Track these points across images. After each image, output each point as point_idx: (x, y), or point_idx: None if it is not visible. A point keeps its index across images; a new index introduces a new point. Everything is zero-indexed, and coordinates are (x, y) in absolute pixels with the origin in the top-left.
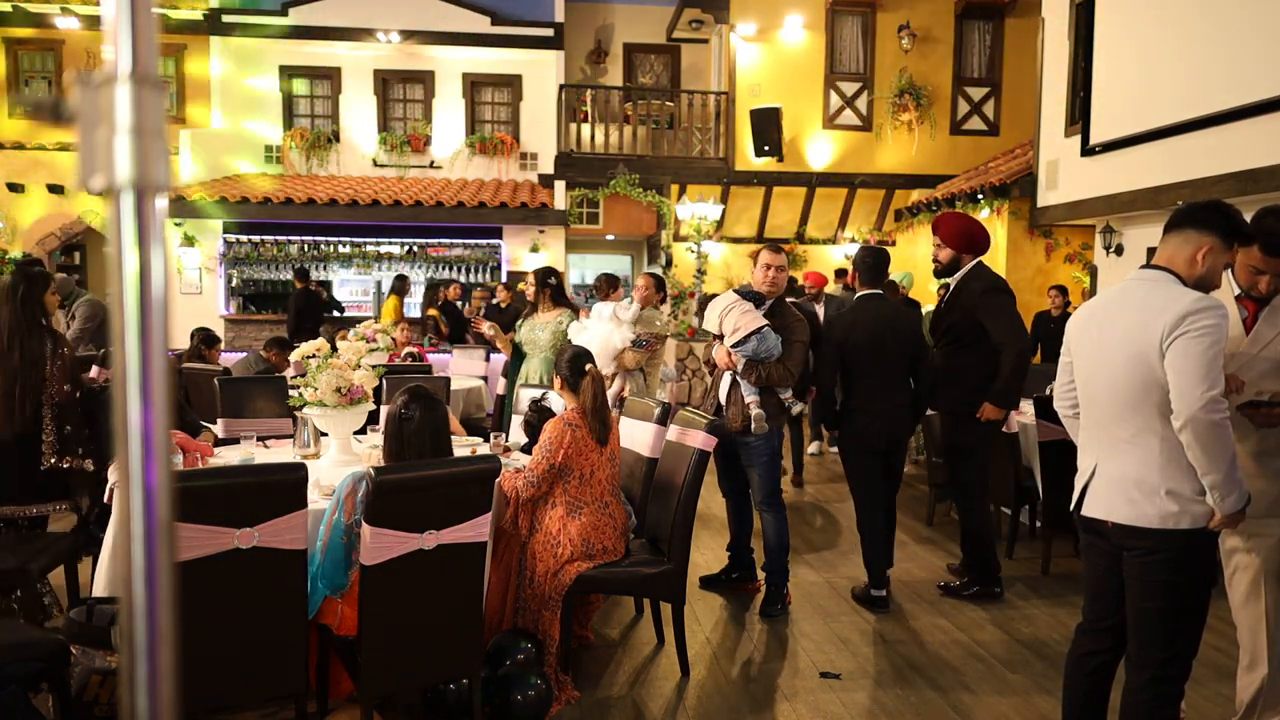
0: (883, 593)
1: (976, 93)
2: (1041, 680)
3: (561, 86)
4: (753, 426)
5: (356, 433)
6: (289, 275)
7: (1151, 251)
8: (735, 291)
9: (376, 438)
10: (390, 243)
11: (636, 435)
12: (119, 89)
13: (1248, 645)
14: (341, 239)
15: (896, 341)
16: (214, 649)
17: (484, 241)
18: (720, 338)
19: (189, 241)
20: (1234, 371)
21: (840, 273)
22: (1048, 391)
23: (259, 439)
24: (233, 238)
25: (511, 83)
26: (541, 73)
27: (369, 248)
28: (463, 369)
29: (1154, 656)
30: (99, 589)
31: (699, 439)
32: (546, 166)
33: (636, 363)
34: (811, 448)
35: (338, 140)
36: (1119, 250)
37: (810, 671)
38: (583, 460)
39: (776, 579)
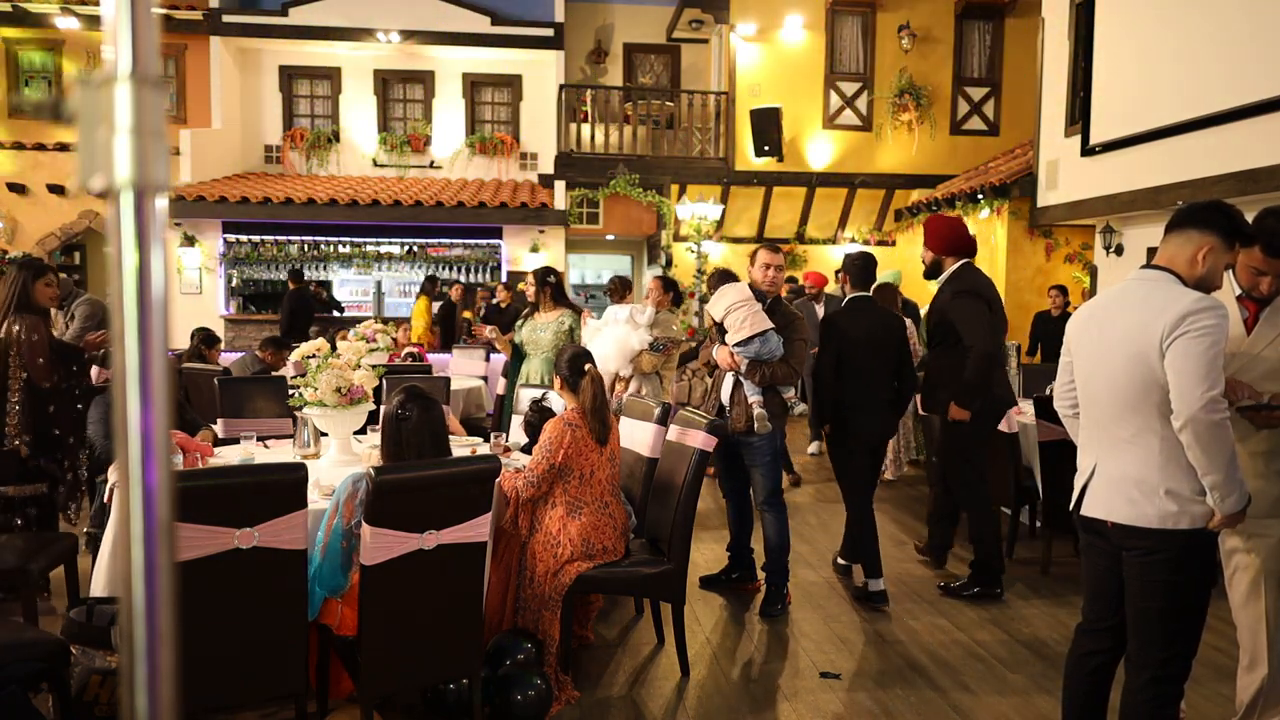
0: (880, 584)
1: (976, 93)
2: (1041, 680)
3: (561, 86)
4: (756, 426)
5: (356, 433)
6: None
7: (1152, 251)
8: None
9: (377, 438)
10: (390, 243)
11: (636, 435)
12: (119, 89)
13: (1248, 645)
14: (341, 239)
15: (883, 343)
16: (214, 649)
17: (484, 241)
18: (720, 327)
19: (189, 241)
20: (1234, 372)
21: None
22: (1048, 391)
23: (259, 439)
24: (233, 238)
25: (511, 83)
26: (541, 73)
27: (369, 248)
28: (463, 369)
29: (1154, 656)
30: (99, 589)
31: (699, 439)
32: (546, 166)
33: (653, 366)
34: (811, 448)
35: (338, 140)
36: (1119, 250)
37: (810, 671)
38: (583, 460)
39: (776, 579)
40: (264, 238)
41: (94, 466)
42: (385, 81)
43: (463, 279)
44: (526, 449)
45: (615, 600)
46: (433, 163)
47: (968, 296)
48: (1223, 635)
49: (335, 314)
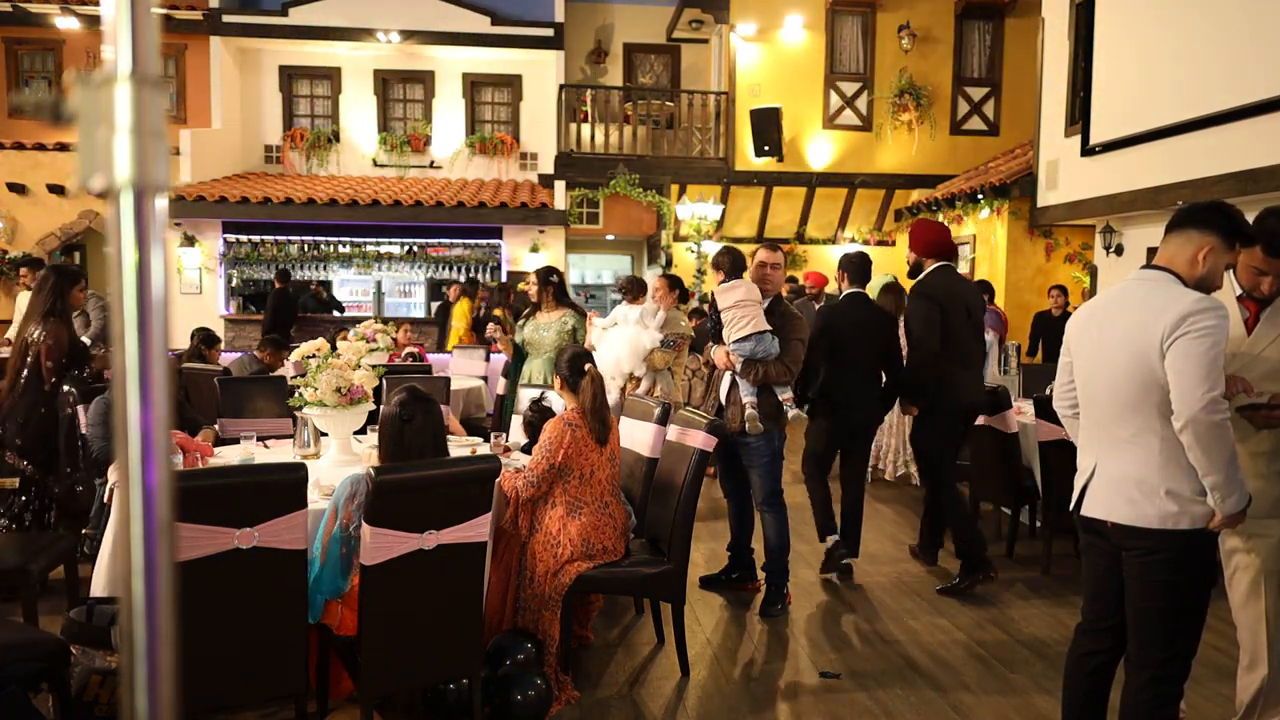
0: (836, 538)
1: (976, 93)
2: (1041, 680)
3: (561, 86)
4: (748, 427)
5: (356, 433)
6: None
7: (1152, 251)
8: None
9: (376, 437)
10: (390, 243)
11: (636, 435)
12: (119, 89)
13: (1248, 645)
14: (341, 239)
15: (872, 337)
16: (214, 649)
17: (484, 241)
18: (716, 322)
19: (189, 241)
20: (1234, 372)
21: None
22: (1048, 391)
23: (259, 439)
24: (233, 238)
25: (511, 83)
26: (541, 73)
27: (369, 248)
28: (463, 369)
29: (1154, 656)
30: (99, 589)
31: (699, 439)
32: (546, 166)
33: (665, 362)
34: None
35: (338, 140)
36: (1119, 250)
37: (810, 671)
38: (582, 460)
39: (777, 579)
40: (264, 238)
41: (92, 468)
42: (385, 81)
43: (462, 279)
44: (526, 449)
45: (615, 600)
46: (433, 163)
47: (921, 298)
48: (1223, 635)
49: (335, 314)
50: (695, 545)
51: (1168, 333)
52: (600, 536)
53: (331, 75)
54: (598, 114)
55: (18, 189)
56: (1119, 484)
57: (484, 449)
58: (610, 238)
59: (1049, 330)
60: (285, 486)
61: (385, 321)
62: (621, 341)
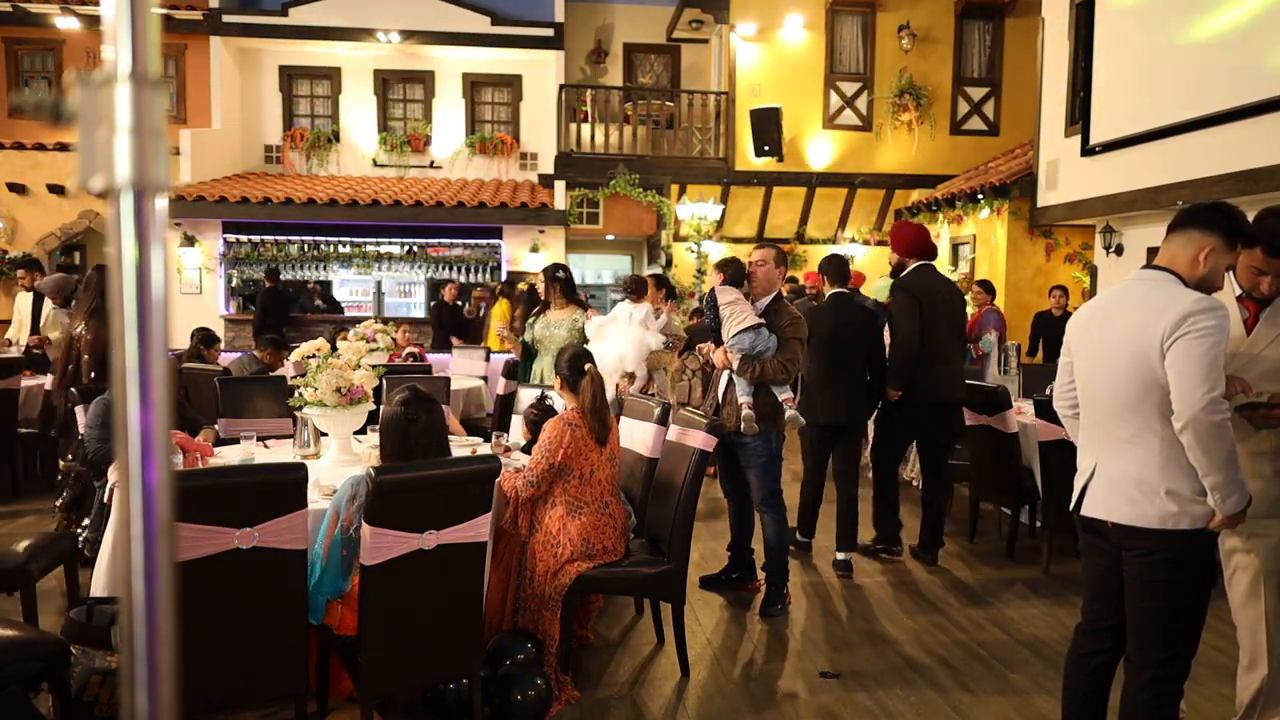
0: (808, 540)
1: (976, 93)
2: (1041, 680)
3: (561, 86)
4: (743, 427)
5: (356, 433)
6: (288, 275)
7: (1152, 251)
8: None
9: (377, 437)
10: (390, 243)
11: (636, 435)
12: (119, 89)
13: (1248, 645)
14: (341, 239)
15: (857, 337)
16: (214, 649)
17: (484, 241)
18: (714, 318)
19: (189, 241)
20: (1234, 372)
21: None
22: (1048, 391)
23: (259, 439)
24: (232, 238)
25: (511, 83)
26: (541, 73)
27: (369, 248)
28: (463, 369)
29: (1154, 656)
30: (99, 589)
31: (699, 439)
32: (546, 166)
33: (665, 363)
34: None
35: (338, 140)
36: (1119, 250)
37: (810, 671)
38: (582, 460)
39: (776, 579)
40: (264, 238)
41: (89, 469)
42: (385, 81)
43: (462, 279)
44: (526, 449)
45: (615, 600)
46: (433, 163)
47: (902, 293)
48: (1223, 635)
49: (335, 314)
50: (695, 545)
51: (1168, 333)
52: (600, 536)
53: (331, 75)
54: (598, 114)
55: (18, 189)
56: (1119, 484)
57: (484, 449)
58: (610, 238)
59: (1049, 330)
60: (285, 486)
61: (385, 322)
62: (628, 342)
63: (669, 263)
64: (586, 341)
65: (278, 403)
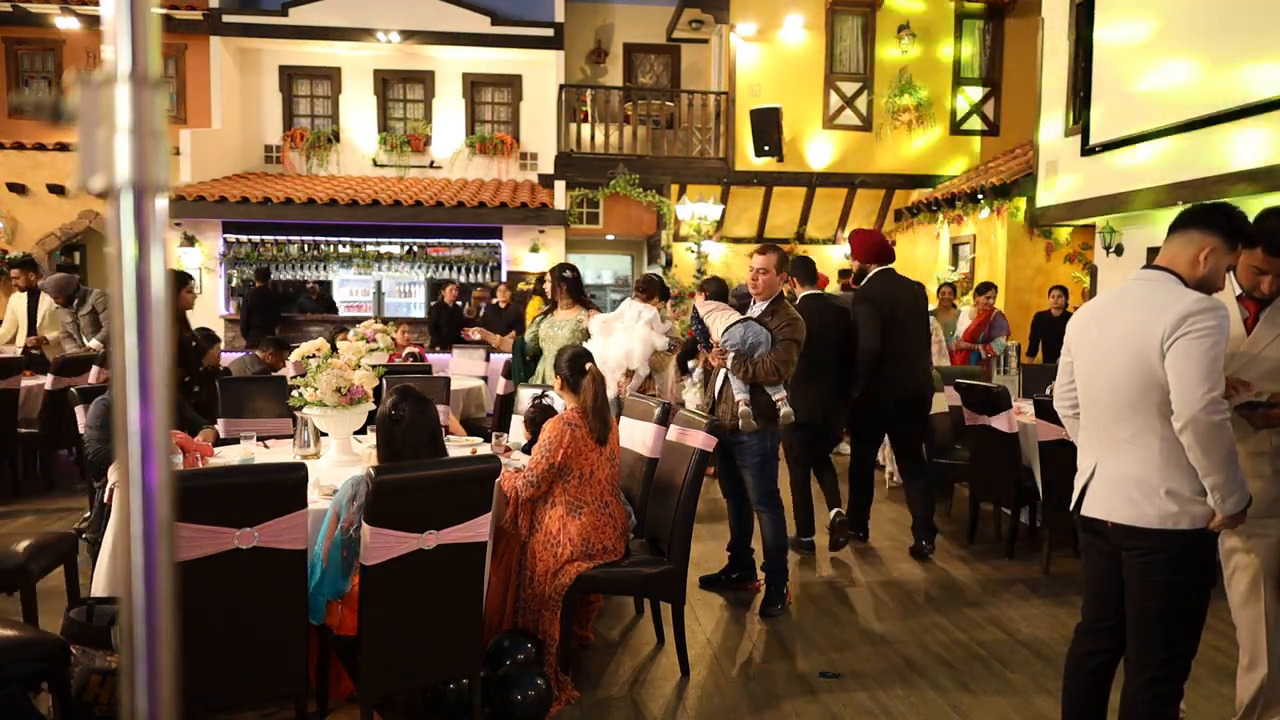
0: (810, 539)
1: (976, 93)
2: (1041, 680)
3: (561, 86)
4: (740, 424)
5: (356, 433)
6: (288, 275)
7: (1152, 251)
8: (733, 292)
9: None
10: (390, 243)
11: (636, 435)
12: (119, 89)
13: (1247, 645)
14: (341, 239)
15: (834, 335)
16: (214, 649)
17: (484, 241)
18: (700, 331)
19: (189, 241)
20: (1234, 372)
21: (844, 272)
22: (1048, 392)
23: (259, 439)
24: (233, 238)
25: (511, 83)
26: (541, 73)
27: (369, 248)
28: (463, 369)
29: (1154, 656)
30: (99, 589)
31: (699, 439)
32: (546, 166)
33: (665, 363)
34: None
35: (338, 140)
36: (1119, 250)
37: (810, 671)
38: (582, 460)
39: (776, 579)
40: (264, 238)
41: (89, 469)
42: (385, 81)
43: (462, 279)
44: (526, 449)
45: (615, 600)
46: (433, 163)
47: (863, 302)
48: (1223, 635)
49: (333, 314)
50: (695, 545)
51: (1168, 333)
52: (600, 536)
53: (331, 75)
54: (598, 114)
55: (18, 189)
56: (1119, 484)
57: (484, 449)
58: (610, 238)
59: (1049, 330)
60: (285, 486)
61: (385, 322)
62: (636, 342)
63: (669, 263)
64: (588, 340)
65: (278, 403)
